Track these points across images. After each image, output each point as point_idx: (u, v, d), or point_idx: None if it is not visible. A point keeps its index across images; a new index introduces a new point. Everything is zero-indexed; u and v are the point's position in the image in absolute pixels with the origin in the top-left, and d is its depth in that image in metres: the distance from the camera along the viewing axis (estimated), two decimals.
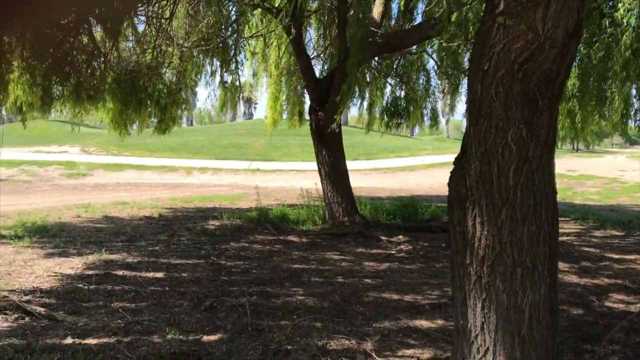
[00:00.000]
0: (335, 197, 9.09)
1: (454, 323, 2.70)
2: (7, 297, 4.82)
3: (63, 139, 39.11)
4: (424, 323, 4.55)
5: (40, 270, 6.15)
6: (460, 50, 10.37)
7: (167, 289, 5.47)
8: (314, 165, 10.43)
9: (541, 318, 2.45)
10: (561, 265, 6.48)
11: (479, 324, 2.47)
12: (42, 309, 4.47)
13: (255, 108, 79.32)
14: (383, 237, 8.41)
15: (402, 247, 7.88)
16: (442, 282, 5.99)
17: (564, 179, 21.45)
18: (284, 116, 13.13)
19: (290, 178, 22.45)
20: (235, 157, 30.80)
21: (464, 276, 2.54)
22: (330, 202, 9.15)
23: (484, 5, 2.42)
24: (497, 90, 2.32)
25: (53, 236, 8.29)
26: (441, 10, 8.09)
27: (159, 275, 6.05)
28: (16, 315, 4.35)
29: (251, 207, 12.06)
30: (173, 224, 9.85)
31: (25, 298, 4.93)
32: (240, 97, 12.67)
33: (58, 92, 9.41)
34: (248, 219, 9.96)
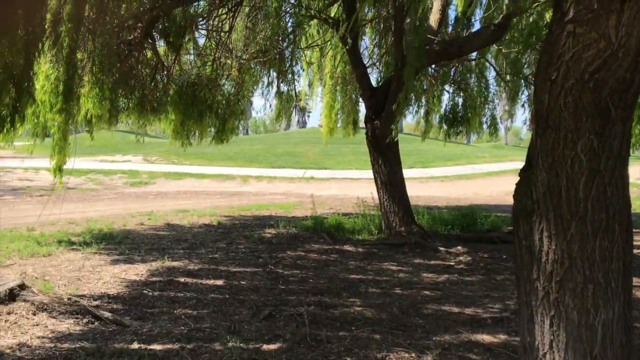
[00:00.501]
0: (392, 206, 9.02)
1: (520, 339, 2.62)
2: (78, 301, 5.07)
3: (126, 148, 40.82)
4: (485, 337, 4.43)
5: (108, 276, 6.42)
6: (520, 56, 10.11)
7: (227, 296, 5.58)
8: (368, 174, 10.41)
9: (615, 337, 2.34)
10: (636, 281, 6.16)
11: (547, 341, 2.39)
12: (110, 314, 4.66)
13: (308, 116, 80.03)
14: (441, 248, 8.27)
15: (461, 258, 7.72)
16: (504, 295, 5.82)
17: (633, 187, 20.37)
18: (339, 125, 13.20)
19: (344, 186, 22.46)
20: (290, 165, 31.14)
21: (531, 292, 2.46)
22: (386, 211, 9.09)
23: (552, 12, 2.35)
24: (566, 100, 2.24)
25: (118, 243, 8.65)
26: (500, 15, 7.92)
27: (219, 282, 6.18)
28: (86, 320, 4.56)
29: (306, 216, 12.15)
30: (231, 232, 10.06)
31: (95, 303, 5.16)
32: (296, 106, 12.83)
33: (124, 105, 9.85)
34: (304, 228, 10.04)
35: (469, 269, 7.18)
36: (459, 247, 8.25)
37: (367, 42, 12.16)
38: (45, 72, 6.72)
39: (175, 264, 7.14)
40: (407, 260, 7.73)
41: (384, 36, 11.13)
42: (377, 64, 11.66)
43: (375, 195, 9.67)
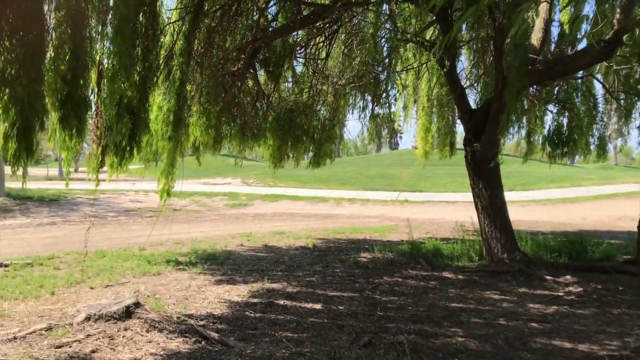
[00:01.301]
0: (494, 232, 8.65)
1: None
2: (186, 320, 5.32)
3: (226, 171, 42.74)
4: None
5: (212, 296, 6.70)
6: (633, 72, 9.44)
7: (326, 321, 5.60)
8: (465, 197, 10.10)
9: None
10: None
11: None
12: (216, 334, 4.84)
13: (400, 138, 79.42)
14: (548, 277, 7.77)
15: (571, 288, 7.20)
16: (623, 331, 5.34)
17: None
18: (435, 147, 12.98)
19: (440, 210, 21.93)
20: (383, 187, 30.98)
21: None
22: (487, 237, 8.73)
23: None
24: None
25: (221, 264, 9.02)
26: (611, 31, 7.44)
27: (317, 306, 6.23)
28: (195, 339, 4.76)
29: (402, 240, 11.98)
30: (327, 255, 10.14)
31: (201, 323, 5.39)
32: (391, 129, 12.79)
33: (226, 132, 10.35)
34: (400, 253, 9.89)
35: (580, 301, 6.68)
36: (568, 277, 7.71)
37: (464, 63, 11.95)
38: (158, 104, 7.23)
39: (274, 285, 7.30)
40: (510, 289, 7.34)
41: (482, 56, 10.87)
42: (475, 84, 11.37)
43: (475, 219, 9.33)
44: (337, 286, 7.37)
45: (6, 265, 8.97)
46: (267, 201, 25.14)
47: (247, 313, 5.84)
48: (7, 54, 4.47)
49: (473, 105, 10.10)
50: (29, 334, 4.82)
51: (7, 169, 21.72)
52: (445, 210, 21.56)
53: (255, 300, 6.46)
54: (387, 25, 9.67)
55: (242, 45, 8.15)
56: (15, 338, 4.71)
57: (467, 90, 10.69)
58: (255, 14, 7.96)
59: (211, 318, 5.63)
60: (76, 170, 41.77)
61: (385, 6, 8.79)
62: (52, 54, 4.77)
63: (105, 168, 6.56)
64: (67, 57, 4.84)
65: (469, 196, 9.45)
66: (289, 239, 12.82)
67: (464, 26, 10.26)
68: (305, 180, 32.90)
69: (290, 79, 10.70)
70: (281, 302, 6.40)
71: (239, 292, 6.89)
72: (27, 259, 9.54)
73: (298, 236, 13.27)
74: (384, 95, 11.18)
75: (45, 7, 4.78)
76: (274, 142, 11.13)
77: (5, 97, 4.50)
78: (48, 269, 8.69)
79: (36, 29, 4.50)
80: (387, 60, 10.56)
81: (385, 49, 10.37)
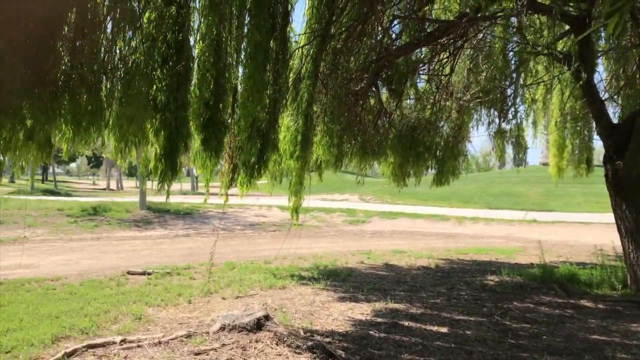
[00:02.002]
0: None
1: None
2: (312, 336, 5.43)
3: (343, 187, 43.35)
4: None
5: (336, 312, 6.77)
6: None
7: (453, 345, 5.40)
8: (602, 218, 9.28)
9: None
10: None
11: None
12: (342, 352, 4.88)
13: (526, 154, 75.02)
14: None
15: None
16: None
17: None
18: (569, 164, 12.10)
19: (574, 231, 20.30)
20: (509, 206, 29.44)
21: None
22: (633, 263, 7.89)
23: None
24: None
25: (343, 280, 9.10)
26: None
27: (443, 330, 6.03)
28: (322, 356, 4.83)
29: (532, 263, 11.26)
30: (451, 276, 9.82)
31: (327, 339, 5.46)
32: (518, 145, 12.15)
33: (347, 149, 10.50)
34: (530, 277, 9.29)
35: None
36: None
37: (602, 75, 11.06)
38: (286, 124, 7.53)
39: (397, 306, 7.21)
40: None
41: (623, 66, 9.96)
42: (616, 97, 10.44)
43: (617, 243, 8.50)
44: (463, 309, 7.10)
45: (149, 274, 9.83)
46: (385, 218, 25.02)
47: (372, 332, 5.82)
48: (158, 83, 4.93)
49: (613, 120, 9.28)
50: (171, 339, 5.21)
51: (147, 184, 23.92)
52: (580, 232, 19.91)
53: (379, 319, 6.42)
54: (516, 38, 9.25)
55: (365, 64, 8.25)
56: (160, 343, 5.11)
57: (605, 103, 9.88)
58: (379, 33, 8.03)
59: (336, 335, 5.69)
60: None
61: (513, 19, 8.42)
62: (197, 82, 5.18)
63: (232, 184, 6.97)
64: (210, 84, 5.22)
65: (606, 217, 8.68)
66: (409, 258, 12.62)
67: (602, 35, 9.53)
68: (425, 197, 32.30)
69: (412, 96, 10.62)
70: (405, 323, 6.29)
71: (362, 311, 6.89)
72: (166, 269, 10.37)
73: (419, 255, 13.02)
74: (512, 110, 10.69)
75: (191, 39, 5.21)
76: (395, 160, 11.07)
77: (157, 123, 4.95)
78: (185, 279, 9.36)
79: (183, 60, 4.92)
80: (515, 74, 10.09)
81: (513, 62, 9.92)
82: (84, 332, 5.65)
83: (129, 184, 74.94)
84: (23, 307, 6.96)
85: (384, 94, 9.92)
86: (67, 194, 41.22)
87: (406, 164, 11.19)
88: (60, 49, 4.38)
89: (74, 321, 6.05)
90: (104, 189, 61.48)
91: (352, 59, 8.18)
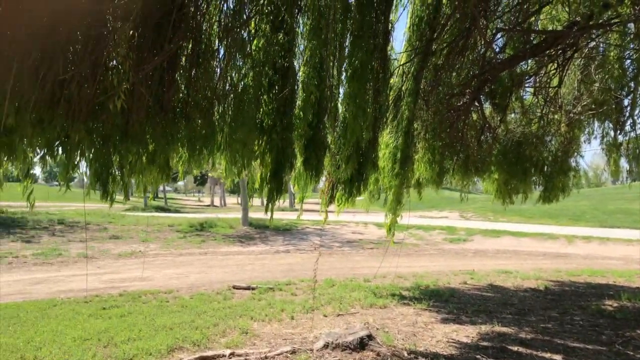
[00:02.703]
0: None
1: None
2: (417, 358, 5.31)
3: (442, 204, 42.31)
4: None
5: (439, 334, 6.59)
6: None
7: None
8: None
9: None
10: None
11: None
12: None
13: None
14: None
15: None
16: None
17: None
18: None
19: None
20: (626, 225, 27.10)
21: None
22: None
23: None
24: None
25: (445, 301, 8.85)
26: None
27: (557, 357, 5.66)
28: None
29: None
30: (563, 300, 9.20)
31: None
32: (635, 158, 11.20)
33: (449, 166, 10.26)
34: None
35: None
36: None
37: None
38: (386, 142, 7.53)
39: (505, 329, 6.87)
40: None
41: None
42: None
43: None
44: (578, 336, 6.61)
45: (253, 289, 10.18)
46: (488, 237, 24.03)
47: (478, 357, 5.59)
48: (265, 106, 5.14)
49: None
50: (277, 354, 5.34)
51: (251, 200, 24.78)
52: None
53: (485, 343, 6.16)
54: (633, 45, 8.59)
55: (467, 79, 8.06)
56: (266, 358, 5.26)
57: None
58: (481, 47, 7.82)
59: (441, 358, 5.53)
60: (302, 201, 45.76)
61: (631, 25, 7.83)
62: (300, 104, 5.34)
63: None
64: (313, 105, 5.36)
65: None
66: (516, 278, 12.00)
67: None
68: (530, 215, 30.66)
69: (517, 110, 10.19)
70: (514, 348, 5.98)
71: (467, 333, 6.65)
72: (269, 284, 10.68)
73: (526, 276, 12.34)
74: (629, 121, 9.89)
75: (296, 63, 5.40)
76: (499, 176, 10.65)
77: (263, 144, 5.17)
78: (286, 294, 9.58)
79: (289, 84, 5.10)
80: (632, 83, 9.36)
81: (630, 71, 9.20)
82: (195, 344, 5.96)
83: (231, 200, 78.38)
84: (141, 318, 7.48)
85: (487, 108, 9.61)
86: (177, 211, 43.93)
87: (512, 180, 10.72)
88: (179, 78, 4.73)
89: (186, 333, 6.40)
90: (208, 206, 64.89)
91: (453, 74, 8.03)
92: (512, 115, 10.38)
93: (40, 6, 2.82)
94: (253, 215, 27.25)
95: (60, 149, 4.13)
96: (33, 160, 4.31)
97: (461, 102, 8.29)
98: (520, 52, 7.82)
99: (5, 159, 3.90)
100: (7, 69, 2.81)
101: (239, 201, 53.12)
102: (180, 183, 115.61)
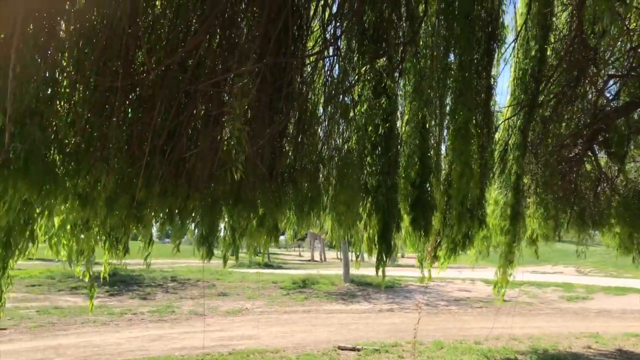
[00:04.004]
0: None
1: None
2: None
3: (556, 258, 39.48)
4: None
5: None
6: None
7: None
8: None
9: None
10: None
11: None
12: None
13: None
14: None
15: None
16: None
17: None
18: None
19: None
20: None
21: None
22: None
23: None
24: None
25: None
26: None
27: None
28: None
29: None
30: None
31: None
32: None
33: (563, 220, 9.66)
34: None
35: None
36: None
37: None
38: (494, 198, 7.28)
39: None
40: None
41: None
42: None
43: None
44: None
45: (359, 350, 9.99)
46: (612, 294, 21.90)
47: None
48: (369, 168, 5.22)
49: None
50: None
51: (351, 255, 24.79)
52: None
53: None
54: None
55: (578, 129, 7.68)
56: None
57: None
58: (592, 96, 7.45)
59: None
60: (402, 256, 44.96)
61: None
62: (404, 164, 5.36)
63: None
64: (416, 165, 5.37)
65: None
66: None
67: None
68: None
69: (638, 158, 9.47)
70: None
71: None
72: (374, 345, 10.45)
73: None
74: None
75: (398, 124, 5.48)
76: (621, 230, 9.81)
77: (369, 205, 5.21)
78: (393, 356, 9.30)
79: (392, 145, 5.16)
80: None
81: None
82: None
83: (331, 254, 78.73)
84: None
85: (603, 158, 9.03)
86: (279, 267, 44.84)
87: (637, 233, 9.84)
88: (286, 145, 4.96)
89: None
90: (309, 261, 65.57)
91: (563, 124, 7.69)
92: (632, 164, 9.64)
93: (170, 93, 3.14)
94: (355, 271, 27.11)
95: (179, 216, 4.44)
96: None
97: (573, 153, 7.88)
98: (637, 98, 7.36)
99: (133, 227, 4.25)
100: (141, 148, 3.12)
101: (339, 256, 53.17)
102: (282, 238, 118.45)
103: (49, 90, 2.70)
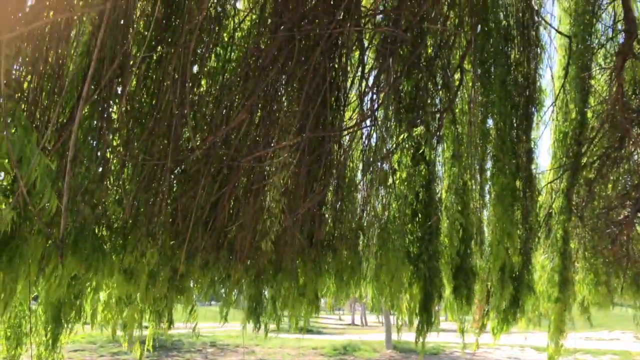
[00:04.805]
0: None
1: None
2: None
3: (612, 323, 37.28)
4: None
5: None
6: None
7: None
8: None
9: None
10: None
11: None
12: None
13: None
14: None
15: None
16: None
17: None
18: None
19: None
20: None
21: None
22: None
23: None
24: None
25: None
26: None
27: None
28: None
29: None
30: None
31: None
32: None
33: (616, 284, 9.21)
34: None
35: None
36: None
37: None
38: (540, 264, 7.04)
39: None
40: None
41: None
42: None
43: None
44: None
45: None
46: None
47: None
48: (410, 236, 5.17)
49: None
50: None
51: (393, 319, 24.05)
52: None
53: None
54: None
55: (626, 190, 7.45)
56: None
57: None
58: (638, 157, 7.27)
59: None
60: (446, 319, 43.26)
61: None
62: (446, 231, 5.29)
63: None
64: (458, 231, 5.28)
65: None
66: None
67: None
68: None
69: None
70: None
71: None
72: None
73: None
74: None
75: (437, 190, 5.45)
76: None
77: (409, 274, 5.11)
78: None
79: (432, 212, 5.12)
80: None
81: None
82: None
83: (372, 318, 76.69)
84: None
85: None
86: (319, 332, 43.90)
87: None
88: (325, 214, 4.99)
89: None
90: (349, 325, 63.95)
91: (608, 187, 7.49)
92: None
93: (213, 168, 3.25)
94: (396, 336, 26.25)
95: (222, 287, 4.48)
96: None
97: (622, 216, 7.59)
98: None
99: (176, 299, 4.29)
100: (185, 223, 3.20)
101: (380, 319, 51.68)
102: (322, 300, 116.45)
103: (100, 169, 2.84)
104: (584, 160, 6.68)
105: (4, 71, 1.59)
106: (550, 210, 6.76)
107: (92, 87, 2.60)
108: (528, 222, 6.16)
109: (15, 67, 2.23)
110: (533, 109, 6.05)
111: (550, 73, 7.08)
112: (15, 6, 1.93)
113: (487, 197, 5.90)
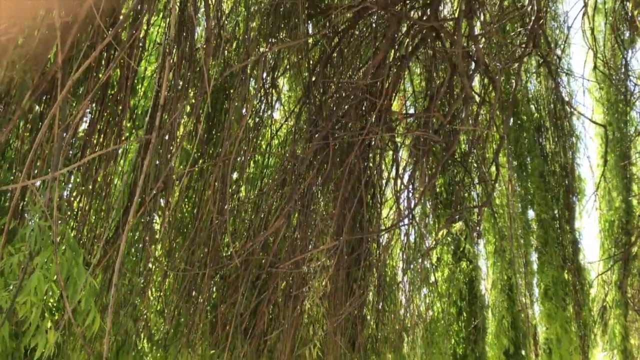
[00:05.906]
0: None
1: None
2: None
3: None
4: None
5: None
6: None
7: None
8: None
9: None
10: None
11: None
12: None
13: None
14: None
15: None
16: None
17: None
18: None
19: None
20: None
21: None
22: None
23: None
24: None
25: None
26: None
27: None
28: None
29: None
30: None
31: None
32: None
33: None
34: None
35: None
36: None
37: None
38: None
39: None
40: None
41: None
42: None
43: None
44: None
45: None
46: None
47: None
48: (456, 336, 4.96)
49: None
50: None
51: None
52: None
53: None
54: None
55: None
56: None
57: None
58: None
59: None
60: None
61: None
62: (494, 330, 5.05)
63: None
64: (507, 330, 5.04)
65: None
66: None
67: None
68: None
69: None
70: None
71: None
72: None
73: None
74: None
75: (481, 287, 5.29)
76: None
77: None
78: None
79: (478, 311, 4.93)
80: None
81: None
82: None
83: None
84: None
85: None
86: None
87: None
88: (367, 315, 4.85)
89: None
90: None
91: None
92: None
93: (253, 274, 3.25)
94: None
95: None
96: None
97: None
98: None
99: None
100: (225, 331, 3.17)
101: None
102: None
103: (142, 280, 2.89)
104: (635, 249, 6.40)
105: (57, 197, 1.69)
106: (605, 304, 6.40)
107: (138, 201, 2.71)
108: (581, 318, 5.84)
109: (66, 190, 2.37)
110: (574, 199, 5.94)
111: (589, 162, 6.99)
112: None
113: (536, 291, 5.68)
